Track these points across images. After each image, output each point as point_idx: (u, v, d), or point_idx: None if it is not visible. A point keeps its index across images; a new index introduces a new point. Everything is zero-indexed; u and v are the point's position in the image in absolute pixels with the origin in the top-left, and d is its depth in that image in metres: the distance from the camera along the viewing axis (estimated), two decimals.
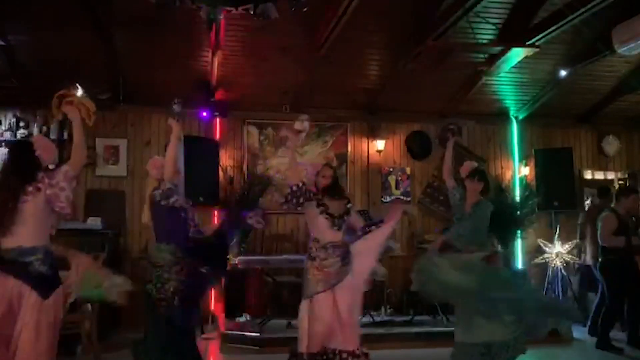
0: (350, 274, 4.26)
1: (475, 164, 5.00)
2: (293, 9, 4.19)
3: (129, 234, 7.30)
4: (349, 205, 4.45)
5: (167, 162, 4.15)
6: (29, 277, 3.08)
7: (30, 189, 3.14)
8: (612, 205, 6.31)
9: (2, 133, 7.14)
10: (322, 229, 4.32)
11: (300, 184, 4.34)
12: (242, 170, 7.71)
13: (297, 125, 4.49)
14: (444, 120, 7.00)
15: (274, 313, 6.73)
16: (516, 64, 7.08)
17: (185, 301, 4.06)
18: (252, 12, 3.95)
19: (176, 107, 4.21)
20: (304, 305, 4.28)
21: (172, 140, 4.23)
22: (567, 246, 7.69)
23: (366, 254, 4.36)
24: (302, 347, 4.22)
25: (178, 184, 4.24)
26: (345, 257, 4.28)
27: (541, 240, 7.85)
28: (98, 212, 6.82)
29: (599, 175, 8.84)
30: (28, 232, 3.12)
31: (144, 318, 4.19)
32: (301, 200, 4.32)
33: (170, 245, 4.09)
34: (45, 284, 3.12)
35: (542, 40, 6.36)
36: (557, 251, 7.69)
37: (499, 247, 7.72)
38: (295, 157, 4.75)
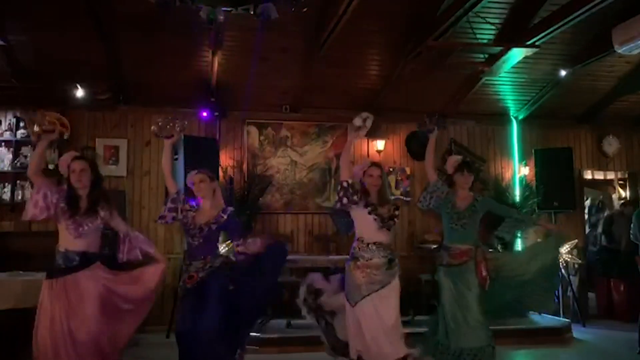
0: (396, 277, 4.17)
1: (460, 157, 4.82)
2: (293, 9, 4.18)
3: None
4: (397, 212, 4.27)
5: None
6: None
7: None
8: None
9: (2, 133, 7.14)
10: (371, 229, 4.15)
11: (350, 182, 4.14)
12: (242, 170, 7.71)
13: (356, 121, 4.19)
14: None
15: (274, 313, 6.72)
16: (516, 64, 7.07)
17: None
18: (252, 12, 3.95)
19: (179, 126, 4.10)
20: (349, 312, 4.10)
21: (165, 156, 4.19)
22: (567, 246, 7.68)
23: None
24: (353, 354, 4.08)
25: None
26: (392, 259, 4.17)
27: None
28: None
29: (599, 175, 8.86)
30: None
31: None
32: (354, 197, 4.10)
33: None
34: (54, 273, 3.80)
35: (542, 40, 6.35)
36: None
37: (499, 247, 7.84)
38: (349, 155, 4.44)
